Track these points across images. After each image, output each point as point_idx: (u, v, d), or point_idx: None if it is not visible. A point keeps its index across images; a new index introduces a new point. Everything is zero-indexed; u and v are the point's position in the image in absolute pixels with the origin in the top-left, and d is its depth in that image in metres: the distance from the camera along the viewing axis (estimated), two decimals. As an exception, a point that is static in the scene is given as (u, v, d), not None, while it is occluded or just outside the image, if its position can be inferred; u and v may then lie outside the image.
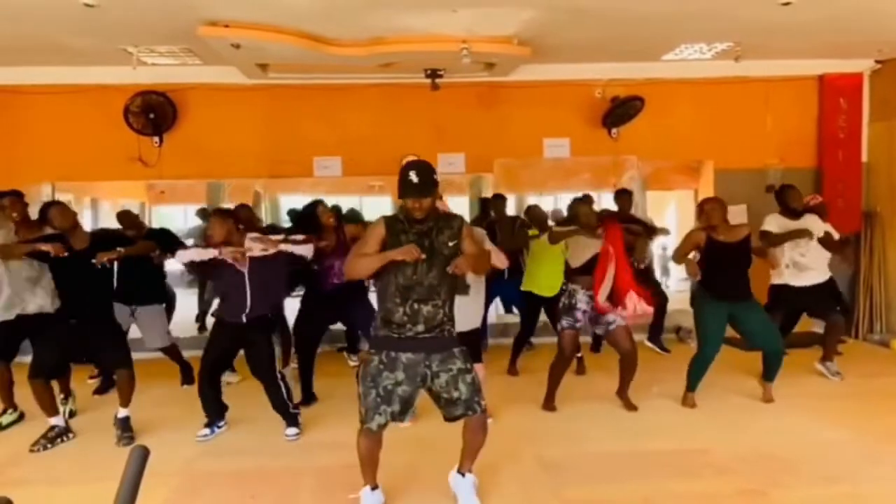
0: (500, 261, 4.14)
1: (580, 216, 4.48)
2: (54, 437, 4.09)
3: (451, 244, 2.87)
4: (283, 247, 4.13)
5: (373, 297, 3.65)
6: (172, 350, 5.35)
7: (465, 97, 6.61)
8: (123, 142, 6.40)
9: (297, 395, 4.53)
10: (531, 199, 8.63)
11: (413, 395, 2.91)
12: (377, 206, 9.25)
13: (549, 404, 4.57)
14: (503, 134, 6.75)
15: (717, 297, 4.47)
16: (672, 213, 9.91)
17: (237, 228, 4.19)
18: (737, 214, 5.89)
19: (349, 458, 3.68)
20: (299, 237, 4.29)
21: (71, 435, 4.20)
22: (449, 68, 5.98)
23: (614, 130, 6.78)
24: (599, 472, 3.50)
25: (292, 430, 4.13)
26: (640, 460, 3.64)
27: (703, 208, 4.54)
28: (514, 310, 6.57)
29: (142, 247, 4.53)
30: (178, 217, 10.56)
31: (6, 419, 4.52)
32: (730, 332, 4.66)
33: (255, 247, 4.09)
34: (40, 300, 4.47)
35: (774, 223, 5.13)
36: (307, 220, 4.84)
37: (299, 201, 8.35)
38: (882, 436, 3.92)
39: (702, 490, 3.23)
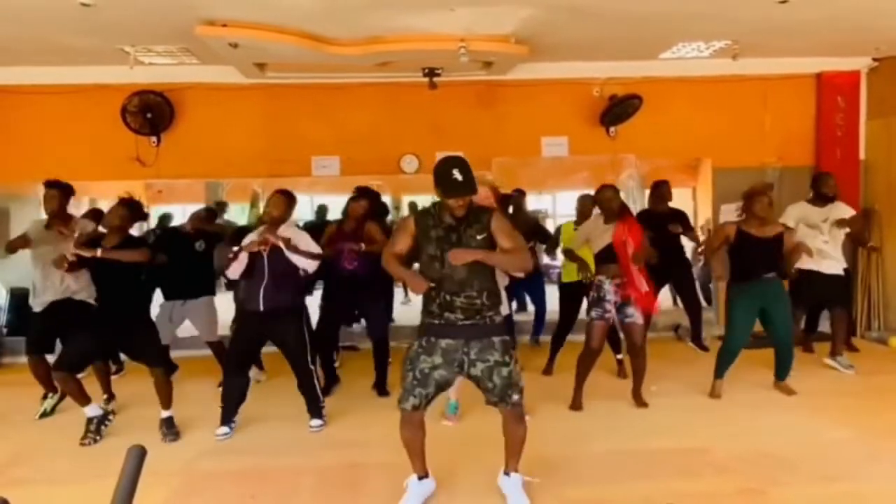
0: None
1: (603, 200, 4.47)
2: (96, 427, 4.09)
3: (479, 237, 2.87)
4: (287, 252, 4.08)
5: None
6: (220, 347, 5.27)
7: (463, 96, 6.61)
8: (121, 141, 6.39)
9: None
10: (530, 198, 8.64)
11: (450, 380, 2.98)
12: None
13: (576, 402, 4.53)
14: (501, 133, 6.74)
15: (748, 282, 4.52)
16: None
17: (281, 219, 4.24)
18: (734, 213, 5.89)
19: (350, 458, 3.71)
20: (314, 249, 4.23)
21: (112, 417, 4.26)
22: (447, 67, 5.97)
23: (612, 129, 6.78)
24: (599, 472, 3.50)
25: (317, 422, 4.20)
26: (640, 459, 3.64)
27: (750, 202, 4.53)
28: (529, 306, 6.60)
29: (130, 254, 4.15)
30: (177, 217, 10.54)
31: (49, 403, 4.65)
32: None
33: (287, 233, 4.12)
34: (73, 285, 4.51)
35: (794, 214, 5.24)
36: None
37: (300, 200, 8.33)
38: (881, 433, 3.93)
39: (702, 489, 3.24)
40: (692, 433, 4.06)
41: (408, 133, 6.63)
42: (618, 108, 6.66)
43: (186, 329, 5.40)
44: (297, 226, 4.71)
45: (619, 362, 5.41)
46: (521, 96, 6.70)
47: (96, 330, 4.11)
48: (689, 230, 6.15)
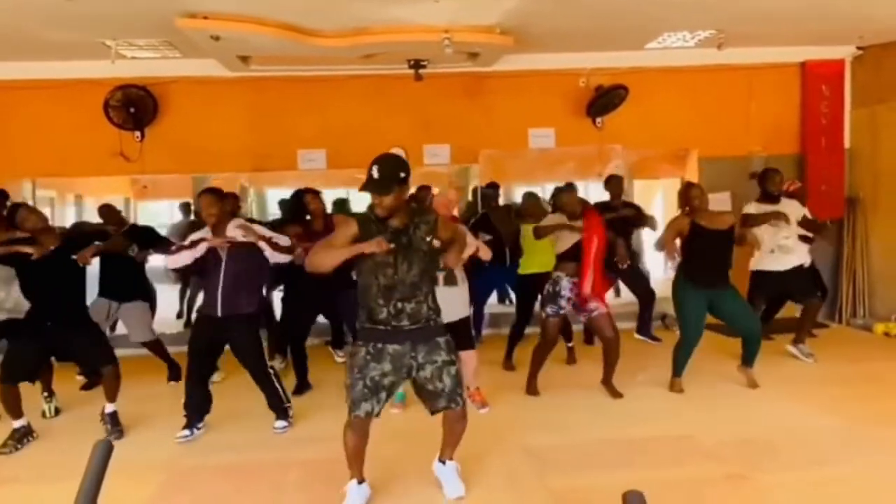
0: (484, 253, 4.16)
1: (564, 204, 4.52)
2: (21, 437, 4.01)
3: (428, 239, 2.84)
4: (262, 244, 4.00)
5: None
6: (157, 345, 5.31)
7: (449, 88, 6.59)
8: (104, 137, 6.33)
9: (289, 385, 4.54)
10: (519, 190, 8.63)
11: (398, 385, 2.97)
12: (363, 199, 9.18)
13: (531, 388, 4.61)
14: (488, 124, 6.73)
15: (696, 284, 4.50)
16: (659, 202, 9.95)
17: (229, 214, 4.15)
18: (721, 202, 5.93)
19: (334, 452, 3.67)
20: (284, 241, 4.12)
21: (35, 435, 4.10)
22: (432, 59, 5.95)
23: (599, 120, 6.79)
24: (584, 460, 3.52)
25: (281, 423, 4.10)
26: (625, 448, 3.66)
27: (687, 194, 4.54)
28: (510, 299, 6.59)
29: (117, 243, 4.43)
30: (164, 212, 10.47)
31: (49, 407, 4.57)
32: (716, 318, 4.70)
33: (237, 234, 3.99)
34: (14, 301, 4.39)
35: (753, 209, 5.23)
36: (296, 206, 4.92)
37: (285, 195, 8.29)
38: (865, 420, 3.96)
39: (686, 476, 3.25)
40: (676, 421, 4.08)
41: (394, 126, 6.60)
42: (604, 99, 6.66)
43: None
44: (252, 220, 4.67)
45: (570, 350, 5.51)
46: (507, 88, 6.69)
47: (40, 340, 4.01)
48: (644, 218, 6.15)
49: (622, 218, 5.87)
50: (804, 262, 5.41)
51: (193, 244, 3.96)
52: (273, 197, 8.69)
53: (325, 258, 2.80)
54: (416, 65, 6.01)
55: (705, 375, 4.84)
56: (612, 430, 3.96)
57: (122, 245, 4.53)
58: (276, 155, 6.59)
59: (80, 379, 5.38)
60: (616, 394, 4.55)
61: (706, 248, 4.45)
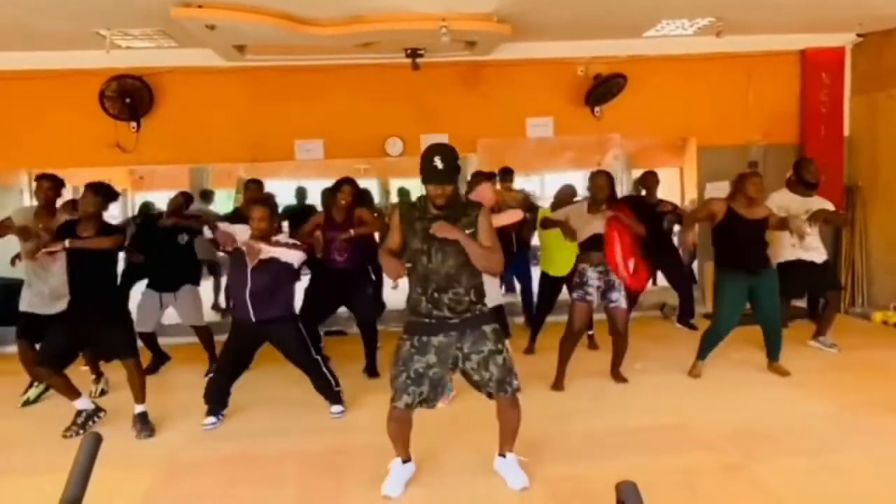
0: (509, 217, 4.28)
1: (593, 187, 4.46)
2: (84, 421, 4.03)
3: (467, 231, 2.83)
4: (273, 253, 3.99)
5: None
6: (206, 332, 5.33)
7: (446, 77, 6.55)
8: (100, 127, 6.29)
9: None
10: (518, 180, 8.60)
11: (444, 377, 2.97)
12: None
13: (558, 383, 4.56)
14: (486, 114, 6.69)
15: (740, 271, 4.51)
16: (658, 192, 9.92)
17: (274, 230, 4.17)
18: (720, 191, 5.90)
19: (335, 443, 3.72)
20: (290, 242, 4.14)
21: (102, 414, 4.16)
22: (429, 47, 5.90)
23: (597, 109, 6.75)
24: (580, 450, 3.53)
25: (337, 408, 4.17)
26: (622, 437, 3.67)
27: (743, 182, 4.50)
28: (515, 286, 6.61)
29: (100, 241, 4.04)
30: (161, 203, 10.45)
31: (33, 392, 4.64)
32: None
33: (267, 253, 3.99)
34: (51, 288, 4.48)
35: (777, 201, 5.13)
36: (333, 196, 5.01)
37: (282, 185, 8.28)
38: (863, 407, 3.97)
39: (683, 465, 3.26)
40: (674, 410, 4.09)
41: (392, 115, 6.57)
42: (602, 88, 6.62)
43: (171, 315, 5.40)
44: (272, 203, 4.67)
45: (590, 336, 5.54)
46: (505, 76, 6.65)
47: (70, 324, 4.02)
48: (676, 212, 6.15)
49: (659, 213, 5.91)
50: (825, 259, 5.39)
51: (235, 250, 4.01)
52: (270, 188, 8.66)
53: (382, 262, 2.96)
54: (414, 54, 5.97)
55: (706, 364, 4.82)
56: (608, 418, 3.97)
57: (108, 244, 4.34)
58: (273, 145, 6.55)
59: (85, 370, 5.40)
60: (622, 379, 4.61)
61: (743, 237, 4.48)
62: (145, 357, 4.76)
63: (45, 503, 1.14)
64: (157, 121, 6.42)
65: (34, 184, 4.58)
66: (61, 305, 4.27)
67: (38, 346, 4.44)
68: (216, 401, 4.12)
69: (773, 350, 4.77)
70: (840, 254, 6.95)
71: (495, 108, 6.69)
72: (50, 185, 4.51)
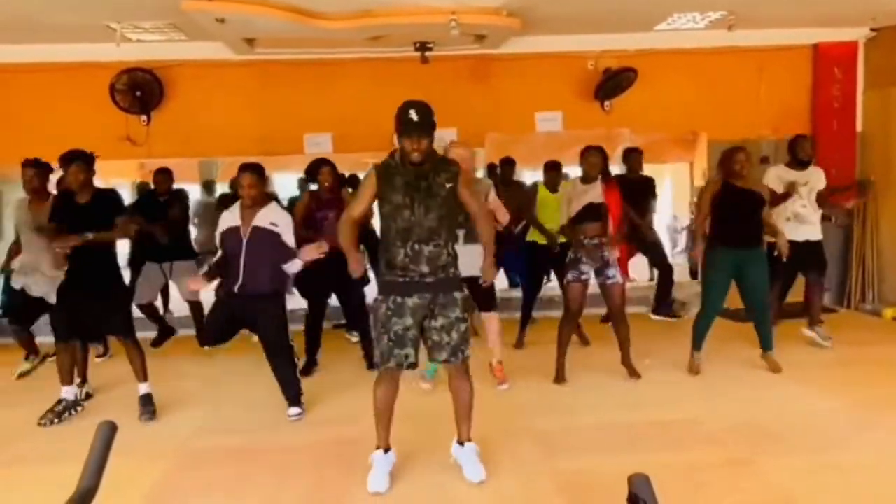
0: (501, 216, 4.22)
1: (586, 164, 4.45)
2: (61, 411, 4.07)
3: (447, 185, 2.88)
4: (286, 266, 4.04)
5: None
6: (199, 308, 5.51)
7: (455, 70, 6.53)
8: (111, 121, 6.33)
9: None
10: (526, 175, 8.58)
11: (419, 338, 3.00)
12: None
13: (560, 375, 4.52)
14: (495, 108, 6.68)
15: (728, 245, 4.46)
16: (667, 186, 9.89)
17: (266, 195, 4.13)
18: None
19: (343, 435, 3.74)
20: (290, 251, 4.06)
21: (80, 408, 4.19)
22: (438, 41, 5.90)
23: (607, 103, 6.72)
24: (590, 444, 3.53)
25: (295, 410, 4.02)
26: (631, 431, 3.67)
27: (731, 157, 4.45)
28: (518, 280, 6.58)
29: (122, 231, 4.14)
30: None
31: (25, 366, 4.90)
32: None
33: (266, 222, 3.97)
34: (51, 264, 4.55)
35: (774, 176, 5.19)
36: (313, 174, 5.03)
37: (291, 179, 8.29)
38: (872, 404, 3.95)
39: (691, 460, 3.26)
40: (680, 405, 4.08)
41: (400, 109, 6.55)
42: (612, 82, 6.60)
43: (180, 308, 5.49)
44: (276, 199, 4.60)
45: (578, 328, 5.42)
46: (514, 70, 6.63)
47: (67, 297, 4.04)
48: (652, 197, 6.20)
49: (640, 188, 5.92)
50: (817, 237, 5.32)
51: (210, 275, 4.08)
52: (279, 181, 8.70)
53: (341, 235, 3.00)
54: (423, 47, 5.96)
55: (712, 360, 4.82)
56: (617, 413, 3.97)
57: (123, 234, 4.35)
58: (283, 138, 6.56)
59: (99, 361, 5.47)
60: (635, 374, 4.55)
61: (737, 208, 4.42)
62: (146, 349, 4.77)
63: (58, 492, 1.15)
64: (168, 114, 6.45)
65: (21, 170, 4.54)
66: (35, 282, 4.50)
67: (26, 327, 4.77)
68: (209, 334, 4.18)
69: (764, 339, 4.69)
70: (851, 249, 6.90)
71: (504, 102, 6.67)
72: (34, 171, 4.49)
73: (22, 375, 4.94)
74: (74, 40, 5.96)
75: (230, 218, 4.05)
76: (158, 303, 6.17)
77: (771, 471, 3.12)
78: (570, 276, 4.42)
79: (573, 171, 5.87)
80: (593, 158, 4.41)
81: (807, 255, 5.22)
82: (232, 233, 3.99)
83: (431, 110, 2.84)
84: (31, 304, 4.77)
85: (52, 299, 4.30)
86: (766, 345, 4.72)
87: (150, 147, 6.46)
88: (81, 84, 6.30)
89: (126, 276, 5.05)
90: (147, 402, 4.09)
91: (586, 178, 4.45)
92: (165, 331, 5.72)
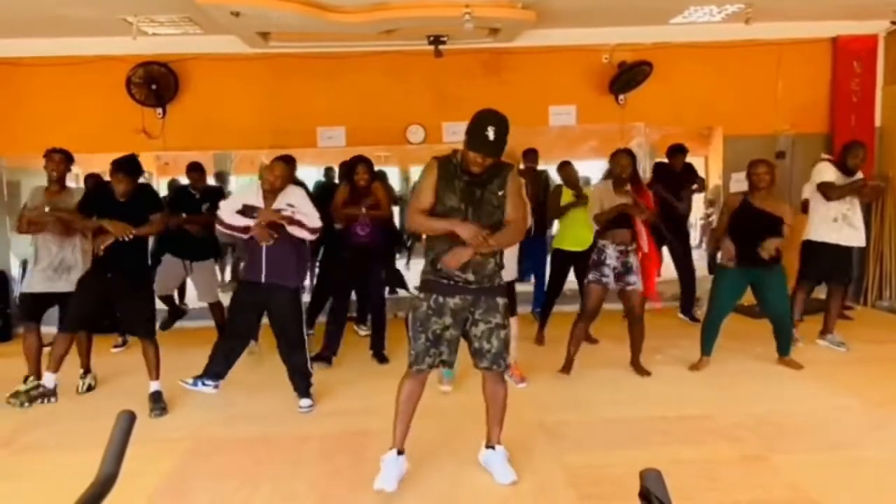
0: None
1: (616, 167, 4.41)
2: (36, 396, 4.10)
3: (499, 193, 2.85)
4: (289, 227, 3.97)
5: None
6: (219, 308, 5.40)
7: (469, 64, 6.52)
8: (126, 113, 6.39)
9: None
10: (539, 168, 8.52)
11: (458, 338, 2.96)
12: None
13: (567, 366, 4.54)
14: (508, 101, 6.50)
15: (742, 263, 4.40)
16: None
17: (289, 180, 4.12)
18: (744, 182, 5.80)
19: (355, 426, 3.77)
20: (312, 223, 4.01)
21: (53, 399, 4.18)
22: (452, 34, 5.88)
23: (622, 97, 6.68)
24: (601, 439, 3.53)
25: (306, 402, 4.07)
26: (643, 427, 3.66)
27: (749, 170, 4.42)
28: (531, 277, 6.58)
29: (158, 225, 4.20)
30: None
31: (23, 388, 4.47)
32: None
33: (282, 203, 3.97)
34: (69, 257, 4.44)
35: (832, 172, 4.93)
36: (349, 172, 5.02)
37: (304, 172, 8.32)
38: (887, 402, 3.91)
39: (703, 456, 3.25)
40: (693, 401, 4.06)
41: (413, 102, 6.56)
42: (627, 76, 6.54)
43: (193, 299, 5.52)
44: (303, 187, 4.66)
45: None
46: (528, 64, 6.60)
47: (91, 290, 4.07)
48: (697, 181, 6.21)
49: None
50: (862, 244, 5.13)
51: (245, 229, 3.95)
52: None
53: (422, 227, 2.88)
54: (436, 41, 5.95)
55: (726, 356, 4.80)
56: (629, 408, 3.96)
57: (159, 229, 4.38)
58: (296, 132, 6.58)
59: (115, 351, 5.54)
60: (644, 372, 4.55)
61: (752, 226, 4.34)
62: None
63: (77, 480, 1.17)
64: (183, 107, 6.49)
65: (44, 159, 4.47)
66: (66, 281, 4.32)
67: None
68: (215, 365, 4.10)
69: (782, 345, 4.67)
70: (868, 247, 6.80)
71: (518, 96, 6.63)
72: (61, 157, 4.47)
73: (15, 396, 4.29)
74: (91, 34, 6.01)
75: (252, 193, 4.05)
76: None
77: (785, 467, 3.11)
78: (591, 276, 4.43)
79: (585, 165, 5.85)
80: (623, 161, 4.39)
81: (840, 262, 5.02)
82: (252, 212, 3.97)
83: (508, 127, 2.73)
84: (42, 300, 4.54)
85: (58, 287, 4.32)
86: (783, 351, 4.70)
87: (166, 140, 6.52)
88: (98, 77, 6.35)
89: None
90: (157, 398, 4.14)
91: (618, 182, 4.40)
92: (176, 312, 5.66)
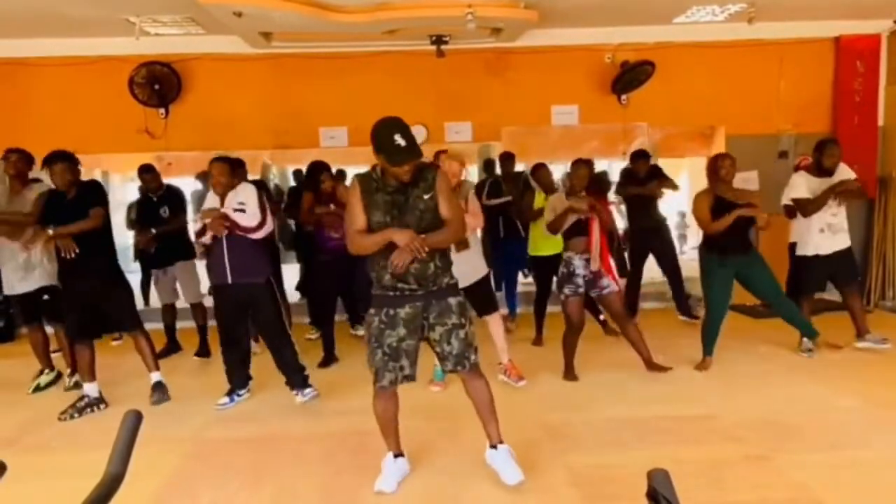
0: (475, 222, 4.12)
1: (574, 177, 4.46)
2: (84, 406, 4.11)
3: (426, 197, 2.77)
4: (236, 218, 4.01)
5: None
6: (200, 309, 5.42)
7: (471, 64, 6.52)
8: (129, 113, 6.40)
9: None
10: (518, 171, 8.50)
11: (417, 347, 2.91)
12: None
13: (569, 375, 4.56)
14: (510, 101, 6.66)
15: (722, 254, 4.44)
16: (684, 181, 9.79)
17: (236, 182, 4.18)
18: (748, 181, 5.81)
19: (357, 425, 3.76)
20: (249, 222, 4.03)
21: (103, 406, 4.21)
22: (454, 34, 5.88)
23: (624, 97, 6.68)
24: (605, 439, 3.52)
25: (308, 391, 4.14)
26: (646, 426, 3.65)
27: (715, 164, 4.43)
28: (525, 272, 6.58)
29: (84, 224, 4.08)
30: (188, 188, 10.58)
31: (44, 379, 4.71)
32: (741, 298, 4.62)
33: (235, 202, 4.05)
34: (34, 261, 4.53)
35: (804, 186, 4.81)
36: (312, 178, 5.09)
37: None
38: (891, 402, 3.90)
39: (706, 456, 3.24)
40: (696, 401, 4.06)
41: (416, 102, 6.56)
42: (629, 75, 6.55)
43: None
44: (263, 187, 4.78)
45: (603, 322, 5.54)
46: (530, 64, 6.60)
47: (74, 297, 4.09)
48: (665, 179, 6.10)
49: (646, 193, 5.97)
50: (848, 244, 5.01)
51: (202, 232, 4.06)
52: (295, 175, 8.73)
53: (363, 247, 2.79)
54: (439, 41, 5.95)
55: (729, 356, 4.80)
56: (632, 408, 3.96)
57: (179, 225, 4.57)
58: (298, 132, 6.60)
59: (115, 345, 5.55)
60: (663, 369, 4.53)
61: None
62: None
63: (83, 479, 1.17)
64: (185, 107, 6.50)
65: (2, 158, 4.60)
66: (34, 279, 4.44)
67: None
68: (235, 376, 4.17)
69: (804, 329, 4.65)
70: (871, 246, 6.81)
71: (520, 96, 6.65)
72: (18, 157, 4.57)
73: (37, 390, 4.66)
74: (94, 34, 6.03)
75: (211, 201, 4.15)
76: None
77: (789, 467, 3.10)
78: (567, 290, 4.43)
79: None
80: (581, 171, 4.45)
81: (839, 266, 4.94)
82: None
83: (410, 128, 2.67)
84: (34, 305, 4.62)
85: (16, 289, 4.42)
86: (808, 333, 4.66)
87: (168, 140, 6.52)
88: (101, 77, 6.36)
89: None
90: (159, 387, 4.16)
91: (572, 191, 4.45)
92: (173, 347, 5.57)
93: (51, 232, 3.96)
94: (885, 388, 4.16)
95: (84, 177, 5.07)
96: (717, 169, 4.41)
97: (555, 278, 5.41)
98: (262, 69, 6.52)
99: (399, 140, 2.61)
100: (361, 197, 2.77)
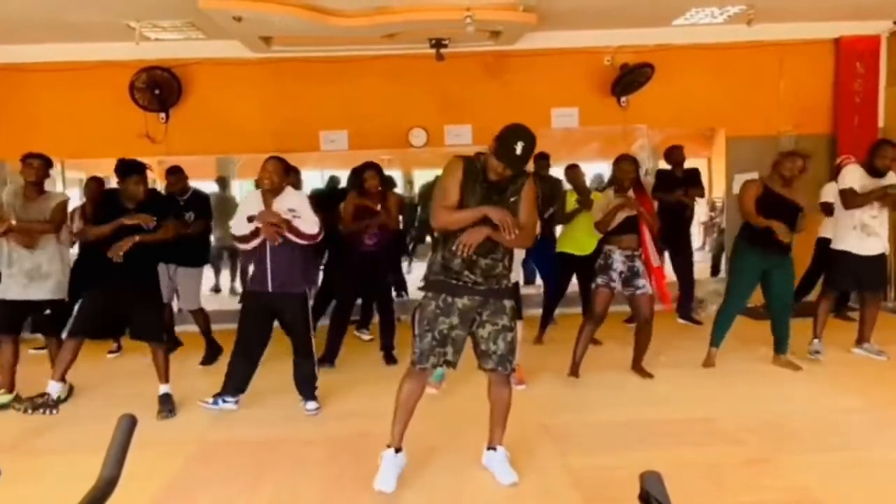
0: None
1: (619, 171, 4.44)
2: (40, 405, 4.05)
3: (512, 199, 2.86)
4: (287, 234, 3.92)
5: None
6: (201, 314, 5.33)
7: (470, 67, 6.53)
8: (130, 118, 6.41)
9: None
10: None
11: (464, 339, 2.96)
12: (386, 179, 9.19)
13: (574, 369, 4.54)
14: (510, 104, 6.62)
15: (760, 248, 4.42)
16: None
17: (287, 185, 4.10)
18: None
19: (360, 428, 3.77)
20: (309, 228, 3.94)
21: (55, 412, 4.11)
22: (454, 38, 5.89)
23: (624, 99, 6.68)
24: (605, 441, 3.52)
25: (313, 405, 4.09)
26: (647, 429, 3.65)
27: (781, 164, 4.41)
28: (538, 280, 6.55)
29: (165, 232, 4.13)
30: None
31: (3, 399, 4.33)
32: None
33: (283, 207, 3.94)
34: (45, 265, 4.36)
35: (857, 179, 4.71)
36: (358, 180, 5.08)
37: (307, 176, 8.31)
38: (892, 403, 3.90)
39: (707, 458, 3.24)
40: (698, 403, 4.05)
41: (415, 106, 6.58)
42: (629, 78, 6.55)
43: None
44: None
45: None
46: (530, 66, 6.61)
47: (100, 295, 4.06)
48: (696, 187, 6.14)
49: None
50: (884, 250, 4.91)
51: (254, 235, 3.94)
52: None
53: (452, 221, 2.82)
54: (438, 44, 5.95)
55: (730, 358, 4.79)
56: (633, 410, 3.95)
57: (169, 234, 4.29)
58: (299, 136, 6.60)
59: (111, 357, 5.53)
60: (646, 374, 4.53)
61: (774, 213, 4.34)
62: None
63: (80, 482, 1.17)
64: (186, 112, 6.52)
65: (21, 163, 4.42)
66: (41, 288, 4.28)
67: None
68: (233, 381, 4.09)
69: (779, 342, 4.67)
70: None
71: (520, 99, 6.64)
72: (41, 163, 4.44)
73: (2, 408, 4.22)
74: (94, 39, 6.04)
75: (254, 202, 4.00)
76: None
77: (791, 469, 3.09)
78: (599, 280, 4.43)
79: (587, 167, 5.85)
80: (626, 166, 4.41)
81: (868, 271, 4.84)
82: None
83: (535, 147, 2.75)
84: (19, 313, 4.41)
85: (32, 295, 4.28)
86: (780, 348, 4.69)
87: (169, 144, 6.54)
88: (101, 82, 6.38)
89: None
90: (166, 401, 4.14)
91: (619, 188, 4.43)
92: (171, 342, 5.42)
93: (137, 239, 3.93)
94: (886, 388, 4.16)
95: (84, 177, 5.10)
96: (779, 164, 4.40)
97: (574, 279, 5.46)
98: (262, 73, 6.54)
99: (518, 147, 2.70)
100: (463, 177, 2.83)
